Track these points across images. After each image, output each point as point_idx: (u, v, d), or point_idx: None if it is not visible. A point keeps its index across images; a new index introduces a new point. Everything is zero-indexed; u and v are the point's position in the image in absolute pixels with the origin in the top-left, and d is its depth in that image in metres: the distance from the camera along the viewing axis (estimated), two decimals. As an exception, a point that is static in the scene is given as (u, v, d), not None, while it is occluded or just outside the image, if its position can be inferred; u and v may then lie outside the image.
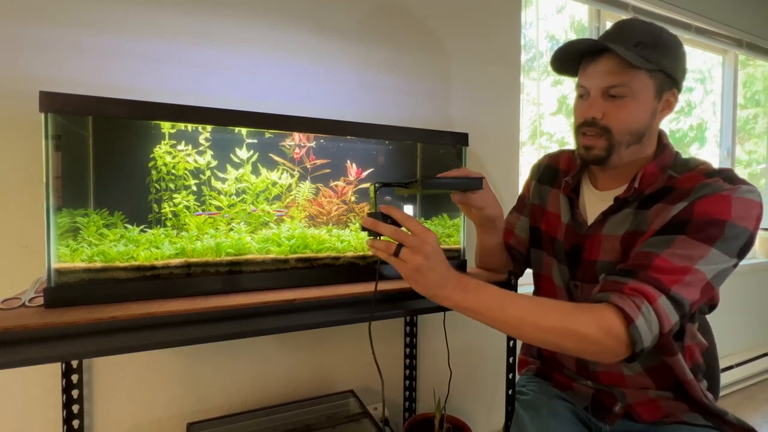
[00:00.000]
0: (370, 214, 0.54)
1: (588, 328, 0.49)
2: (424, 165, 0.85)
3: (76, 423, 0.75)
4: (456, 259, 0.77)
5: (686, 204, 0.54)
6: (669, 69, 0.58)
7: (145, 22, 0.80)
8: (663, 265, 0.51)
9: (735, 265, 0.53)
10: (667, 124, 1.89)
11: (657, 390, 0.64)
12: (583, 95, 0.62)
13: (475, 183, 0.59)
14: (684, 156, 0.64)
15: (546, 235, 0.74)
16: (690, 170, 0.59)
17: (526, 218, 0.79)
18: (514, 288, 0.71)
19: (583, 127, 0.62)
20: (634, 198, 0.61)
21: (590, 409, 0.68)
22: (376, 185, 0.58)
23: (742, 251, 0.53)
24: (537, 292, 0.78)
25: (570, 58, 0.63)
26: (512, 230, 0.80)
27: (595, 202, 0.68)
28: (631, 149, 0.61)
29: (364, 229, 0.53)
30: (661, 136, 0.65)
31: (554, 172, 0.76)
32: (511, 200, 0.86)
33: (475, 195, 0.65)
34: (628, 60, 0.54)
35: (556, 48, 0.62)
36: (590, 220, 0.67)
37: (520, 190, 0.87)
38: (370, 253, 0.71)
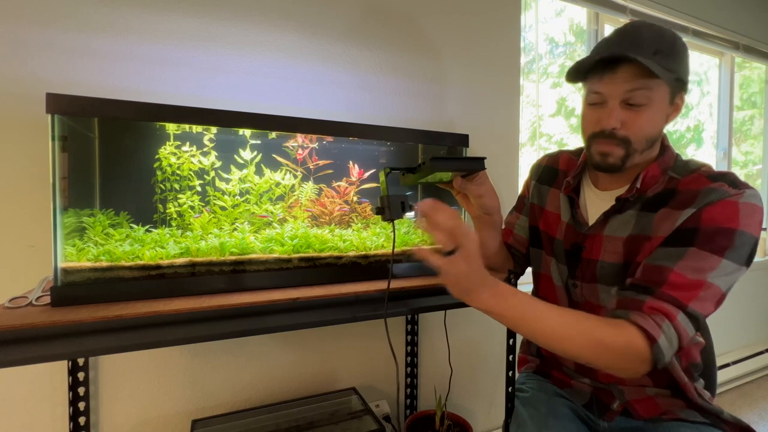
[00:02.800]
0: (381, 198, 0.56)
1: (615, 342, 0.49)
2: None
3: (82, 420, 0.76)
4: (456, 259, 0.78)
5: (693, 211, 0.54)
6: (682, 74, 0.58)
7: (150, 25, 0.80)
8: (677, 281, 0.51)
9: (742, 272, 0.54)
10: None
11: (654, 387, 0.65)
12: (597, 103, 0.60)
13: (479, 163, 0.61)
14: (683, 158, 0.64)
15: (545, 235, 0.74)
16: (692, 172, 0.59)
17: (526, 218, 0.80)
18: (514, 287, 0.72)
19: (598, 138, 0.60)
20: (636, 199, 0.61)
21: (589, 406, 0.69)
22: (387, 171, 0.60)
23: (750, 258, 0.53)
24: (536, 290, 0.79)
25: (585, 67, 0.60)
26: (512, 230, 0.81)
27: (596, 202, 0.68)
28: (643, 155, 0.61)
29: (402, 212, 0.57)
30: (662, 138, 0.65)
31: (554, 172, 0.77)
32: (511, 200, 0.87)
33: (474, 182, 0.66)
34: (653, 70, 0.52)
35: (575, 62, 0.60)
36: (591, 219, 0.67)
37: (520, 190, 0.88)
38: (371, 252, 0.72)
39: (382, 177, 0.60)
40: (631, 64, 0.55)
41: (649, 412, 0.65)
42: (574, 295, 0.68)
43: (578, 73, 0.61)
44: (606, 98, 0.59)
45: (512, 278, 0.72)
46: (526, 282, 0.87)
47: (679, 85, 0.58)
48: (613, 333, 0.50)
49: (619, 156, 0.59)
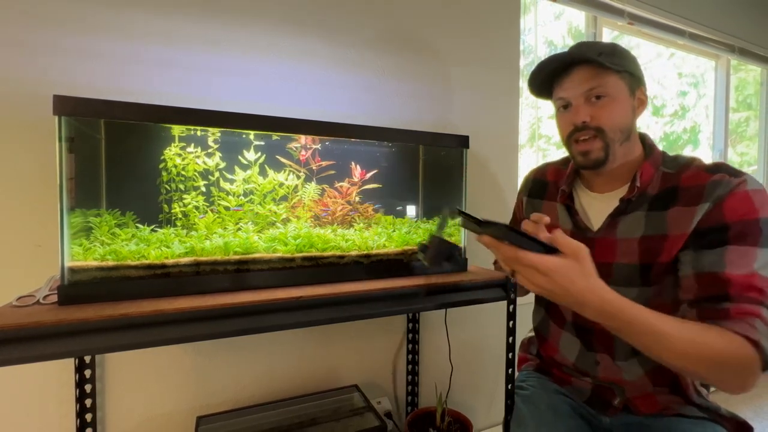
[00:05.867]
0: (432, 237, 0.55)
1: (728, 355, 0.48)
2: (426, 166, 0.87)
3: (89, 416, 0.77)
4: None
5: (708, 206, 0.56)
6: (632, 69, 0.63)
7: (156, 28, 0.81)
8: (737, 280, 0.52)
9: None
10: (661, 127, 1.93)
11: (654, 386, 0.65)
12: (565, 106, 0.66)
13: (552, 251, 0.49)
14: (670, 154, 0.66)
15: None
16: (686, 167, 0.61)
17: None
18: (514, 291, 0.72)
19: (575, 134, 0.65)
20: (639, 198, 0.63)
21: (589, 403, 0.70)
22: (456, 212, 0.54)
23: None
24: (539, 298, 0.80)
25: (543, 81, 0.67)
26: None
27: (595, 204, 0.69)
28: (623, 147, 0.64)
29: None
30: (644, 138, 0.68)
31: (543, 185, 0.78)
32: (511, 200, 0.88)
33: None
34: (599, 61, 0.59)
35: (529, 74, 0.67)
36: (595, 222, 0.68)
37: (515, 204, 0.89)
38: (373, 252, 0.73)
39: (446, 216, 0.56)
40: (582, 66, 0.62)
41: (650, 408, 0.66)
42: None
43: (540, 85, 0.68)
44: (570, 100, 0.64)
45: (511, 276, 0.72)
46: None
47: (634, 80, 0.63)
48: (725, 345, 0.48)
49: (599, 148, 0.63)
